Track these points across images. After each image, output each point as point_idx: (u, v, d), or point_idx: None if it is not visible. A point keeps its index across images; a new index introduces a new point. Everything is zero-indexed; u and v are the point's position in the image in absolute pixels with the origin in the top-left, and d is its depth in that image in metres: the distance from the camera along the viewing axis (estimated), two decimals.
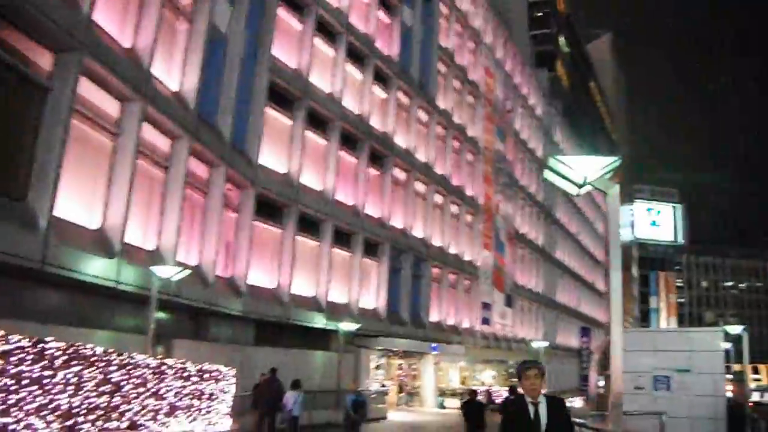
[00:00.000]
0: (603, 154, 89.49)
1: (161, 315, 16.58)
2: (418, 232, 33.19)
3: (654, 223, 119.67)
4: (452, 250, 36.97)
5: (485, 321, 39.62)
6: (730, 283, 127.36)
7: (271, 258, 23.16)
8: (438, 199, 35.98)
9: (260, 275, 22.32)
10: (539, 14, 65.95)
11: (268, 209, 22.70)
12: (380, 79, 30.75)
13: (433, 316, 34.10)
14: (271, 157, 22.99)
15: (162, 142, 16.64)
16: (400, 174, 32.05)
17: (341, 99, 27.06)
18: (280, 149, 23.83)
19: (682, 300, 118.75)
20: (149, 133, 15.89)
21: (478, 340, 38.60)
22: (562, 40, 70.00)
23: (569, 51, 72.84)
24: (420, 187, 33.97)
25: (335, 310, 25.54)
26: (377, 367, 29.36)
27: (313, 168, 25.60)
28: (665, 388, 22.79)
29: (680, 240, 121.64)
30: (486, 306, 40.01)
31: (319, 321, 24.39)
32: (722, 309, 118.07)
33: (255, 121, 21.65)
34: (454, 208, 37.84)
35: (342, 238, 26.91)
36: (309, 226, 24.84)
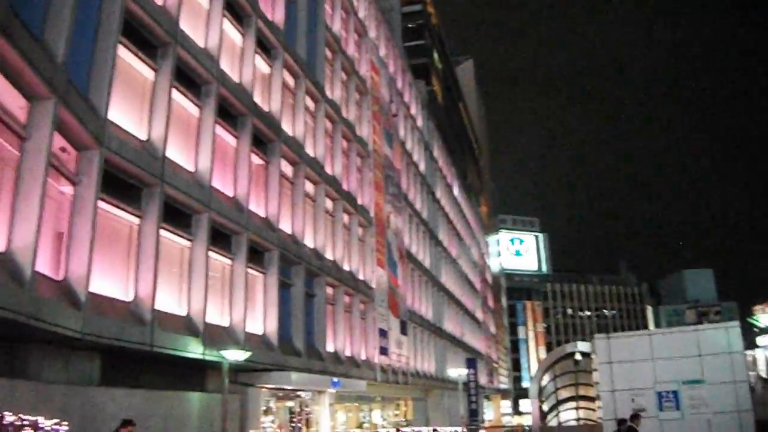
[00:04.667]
0: (474, 181, 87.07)
1: None
2: (309, 240, 26.91)
3: (518, 253, 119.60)
4: (346, 266, 30.89)
5: (383, 351, 33.66)
6: (591, 312, 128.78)
7: (126, 258, 16.10)
8: (329, 204, 29.90)
9: (109, 281, 15.21)
10: (413, 25, 61.97)
11: (121, 187, 15.65)
12: (264, 48, 24.54)
13: (329, 345, 27.75)
14: (124, 115, 16.11)
15: None
16: (286, 167, 25.74)
17: (218, 58, 20.53)
18: (137, 108, 16.96)
19: (548, 328, 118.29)
20: None
21: (377, 373, 32.48)
22: (435, 55, 66.40)
23: (441, 67, 69.41)
24: (309, 187, 27.79)
25: (215, 335, 18.61)
26: (266, 412, 22.49)
27: (182, 141, 18.84)
28: (673, 407, 17.76)
29: (544, 269, 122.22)
30: (383, 333, 34.11)
31: (194, 349, 17.29)
32: (585, 336, 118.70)
33: (103, 57, 14.74)
34: (345, 217, 31.84)
35: (221, 238, 20.13)
36: (178, 216, 17.93)
